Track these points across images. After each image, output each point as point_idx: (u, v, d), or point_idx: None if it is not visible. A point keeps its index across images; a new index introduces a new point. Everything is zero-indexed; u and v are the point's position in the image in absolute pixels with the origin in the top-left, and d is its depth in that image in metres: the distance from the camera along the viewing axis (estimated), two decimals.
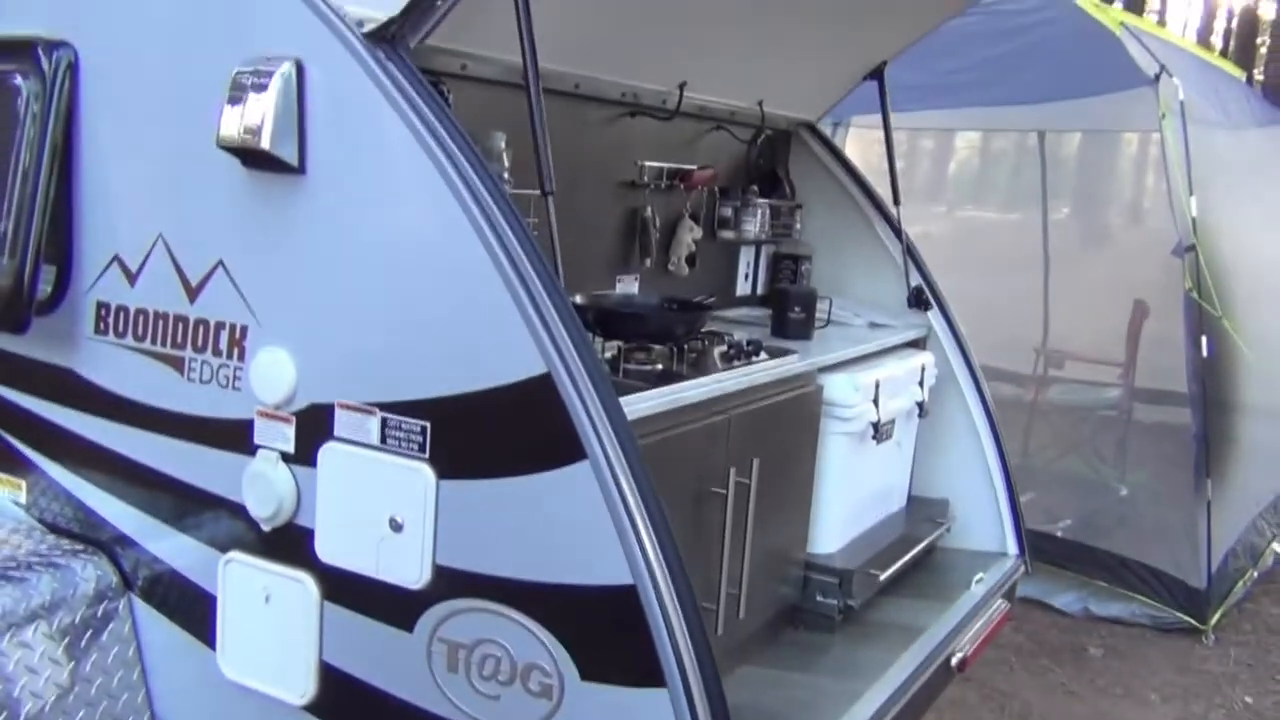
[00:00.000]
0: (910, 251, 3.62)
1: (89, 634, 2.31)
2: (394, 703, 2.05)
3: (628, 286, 3.31)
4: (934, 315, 3.59)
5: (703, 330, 2.84)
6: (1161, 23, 17.28)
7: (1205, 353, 4.76)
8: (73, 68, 2.31)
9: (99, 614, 2.33)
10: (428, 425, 1.97)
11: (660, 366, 2.56)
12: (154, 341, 2.27)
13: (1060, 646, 4.72)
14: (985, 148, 7.15)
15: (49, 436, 2.44)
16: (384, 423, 2.01)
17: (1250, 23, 16.82)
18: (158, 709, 2.36)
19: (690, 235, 3.46)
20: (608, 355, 2.53)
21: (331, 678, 2.11)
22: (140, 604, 2.37)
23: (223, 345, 2.18)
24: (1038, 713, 4.17)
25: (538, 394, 1.87)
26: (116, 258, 2.31)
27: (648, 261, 3.33)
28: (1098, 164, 6.50)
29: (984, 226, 6.96)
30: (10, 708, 2.15)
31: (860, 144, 5.91)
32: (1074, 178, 6.61)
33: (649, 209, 3.30)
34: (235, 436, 2.17)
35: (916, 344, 3.57)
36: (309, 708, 2.13)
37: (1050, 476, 5.59)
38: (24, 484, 2.51)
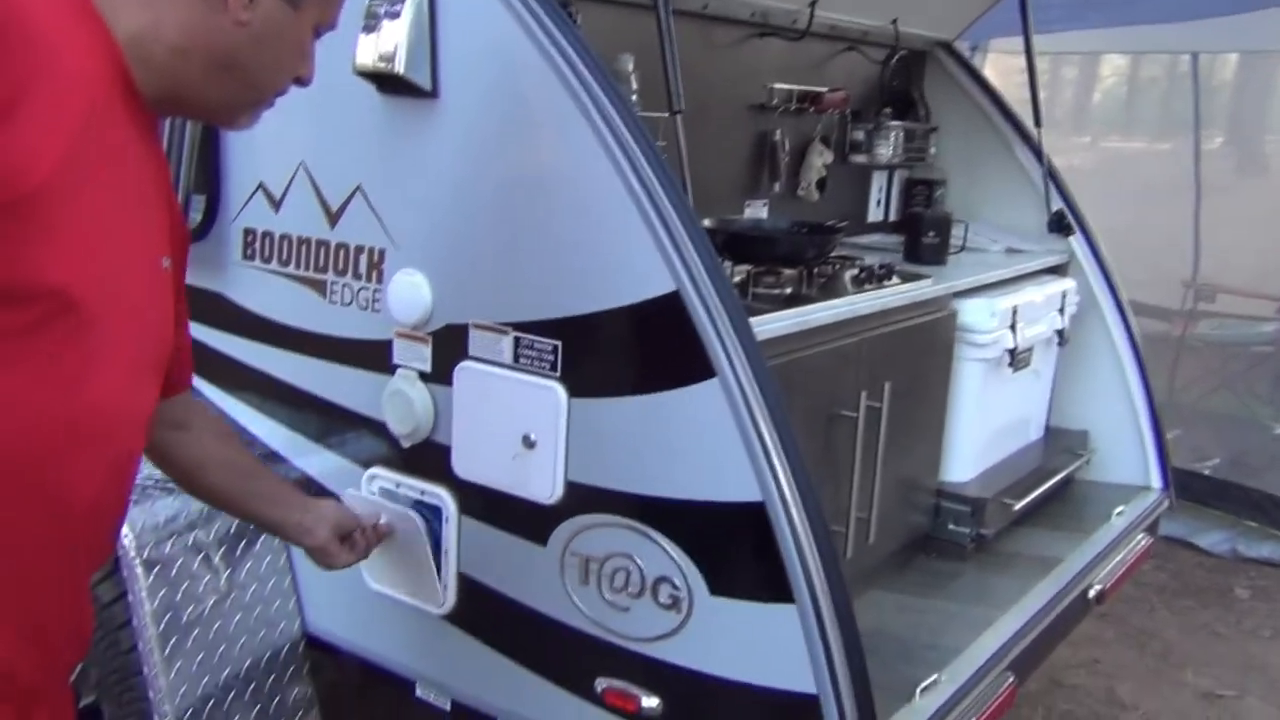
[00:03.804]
0: (1052, 174, 3.49)
1: (243, 543, 2.43)
2: (528, 613, 2.11)
3: (756, 211, 3.28)
4: (1076, 240, 3.46)
5: (833, 254, 2.80)
6: None
7: None
8: None
9: None
10: (559, 345, 2.00)
11: (789, 290, 2.53)
12: (297, 266, 2.35)
13: (1206, 587, 4.57)
14: (1133, 74, 6.83)
15: (202, 358, 2.53)
16: (517, 342, 2.05)
17: None
18: (308, 616, 2.48)
19: (821, 160, 3.40)
20: (737, 279, 2.52)
21: (469, 589, 2.18)
22: None
23: (362, 269, 2.25)
24: (1179, 652, 4.05)
25: (667, 312, 1.87)
26: (261, 185, 2.39)
27: (777, 186, 3.29)
28: (1257, 88, 6.13)
29: (1130, 157, 6.68)
30: (174, 610, 2.29)
31: (998, 70, 5.69)
32: (1230, 103, 6.26)
33: (779, 133, 3.25)
34: (375, 356, 2.24)
35: (1057, 270, 3.45)
36: (448, 617, 2.22)
37: (1198, 414, 5.38)
38: None
